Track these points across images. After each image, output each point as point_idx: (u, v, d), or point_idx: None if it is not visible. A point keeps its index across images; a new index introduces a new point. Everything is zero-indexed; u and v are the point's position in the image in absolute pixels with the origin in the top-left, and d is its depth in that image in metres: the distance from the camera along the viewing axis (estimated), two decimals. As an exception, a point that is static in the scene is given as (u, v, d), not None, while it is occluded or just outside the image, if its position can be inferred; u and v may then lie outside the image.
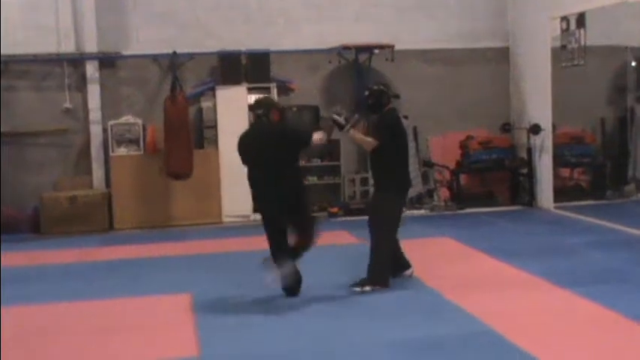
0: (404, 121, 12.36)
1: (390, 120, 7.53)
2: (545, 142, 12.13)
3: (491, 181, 12.96)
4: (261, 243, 9.11)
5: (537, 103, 12.24)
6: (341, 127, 7.41)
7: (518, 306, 6.66)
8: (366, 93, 7.68)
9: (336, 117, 7.43)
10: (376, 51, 12.34)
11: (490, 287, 7.38)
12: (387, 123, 7.48)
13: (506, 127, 12.88)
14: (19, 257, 9.85)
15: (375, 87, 7.70)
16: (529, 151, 12.39)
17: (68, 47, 11.97)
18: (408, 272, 7.74)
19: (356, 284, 7.24)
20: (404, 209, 7.95)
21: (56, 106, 12.02)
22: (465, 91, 12.97)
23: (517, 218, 11.56)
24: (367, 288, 7.18)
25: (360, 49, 12.29)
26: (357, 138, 7.59)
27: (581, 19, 11.22)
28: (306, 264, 8.64)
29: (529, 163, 12.42)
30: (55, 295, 7.61)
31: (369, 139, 7.45)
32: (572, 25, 11.38)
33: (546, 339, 5.72)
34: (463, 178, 12.82)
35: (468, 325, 6.13)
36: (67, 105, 12.04)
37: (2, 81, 11.83)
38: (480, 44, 13.03)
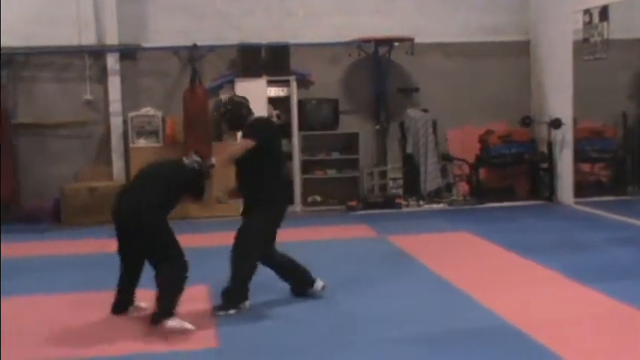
0: (423, 114, 12.47)
1: (260, 124, 6.71)
2: (565, 137, 12.05)
3: (511, 176, 12.90)
4: (278, 235, 9.12)
5: (558, 96, 12.16)
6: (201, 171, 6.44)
7: (537, 301, 6.63)
8: (221, 111, 6.67)
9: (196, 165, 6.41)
10: (396, 44, 12.30)
11: (509, 282, 7.35)
12: (258, 126, 6.64)
13: (527, 121, 12.81)
14: (40, 247, 9.96)
15: (228, 102, 6.71)
16: (549, 145, 12.32)
17: (89, 39, 12.02)
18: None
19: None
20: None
21: (77, 98, 12.09)
22: (485, 84, 12.91)
23: (537, 213, 11.50)
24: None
25: (380, 42, 12.26)
26: (229, 155, 6.56)
27: (604, 12, 11.12)
28: (326, 257, 8.69)
29: (549, 157, 12.35)
30: (74, 285, 7.67)
31: (240, 142, 6.58)
32: (595, 19, 11.29)
33: (565, 334, 5.69)
34: (482, 173, 12.76)
35: (486, 319, 6.11)
36: (88, 97, 12.10)
37: (25, 73, 11.94)
38: (500, 37, 12.95)
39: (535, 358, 5.27)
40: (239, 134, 7.21)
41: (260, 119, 6.90)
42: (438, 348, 5.50)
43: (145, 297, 6.35)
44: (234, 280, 6.44)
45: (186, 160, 6.41)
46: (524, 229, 10.31)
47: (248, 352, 5.56)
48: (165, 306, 5.91)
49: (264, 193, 6.52)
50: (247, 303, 6.49)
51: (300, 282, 6.88)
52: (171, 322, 5.87)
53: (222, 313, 6.37)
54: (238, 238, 6.50)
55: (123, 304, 6.50)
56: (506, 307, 6.33)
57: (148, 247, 6.15)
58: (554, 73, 12.30)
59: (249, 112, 6.66)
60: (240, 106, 6.64)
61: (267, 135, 6.56)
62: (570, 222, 10.80)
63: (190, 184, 6.40)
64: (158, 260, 6.03)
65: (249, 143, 6.38)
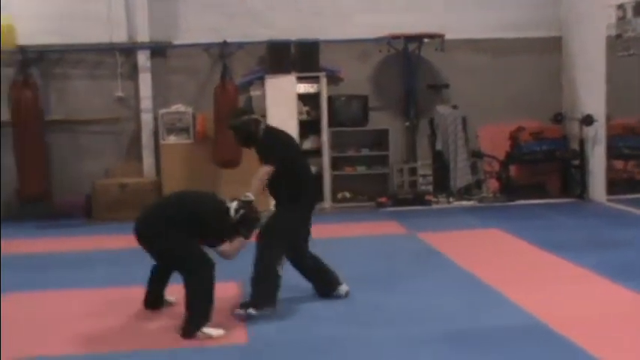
0: (453, 111, 12.41)
1: (274, 136, 6.64)
2: (598, 133, 11.93)
3: (542, 173, 12.79)
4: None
5: (590, 93, 12.04)
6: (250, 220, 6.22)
7: (568, 299, 6.57)
8: (232, 129, 6.60)
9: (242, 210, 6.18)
10: (426, 40, 12.26)
11: (540, 280, 7.29)
12: (272, 137, 6.61)
13: (558, 118, 12.70)
14: (71, 242, 10.06)
15: (237, 121, 6.57)
16: (581, 142, 12.20)
17: (120, 37, 12.11)
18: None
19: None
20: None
21: (108, 95, 12.19)
22: (515, 81, 12.82)
23: (568, 211, 11.40)
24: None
25: (410, 38, 12.22)
26: (258, 184, 6.43)
27: (638, 8, 11.00)
28: (355, 254, 8.69)
29: (581, 154, 12.24)
30: (104, 281, 7.75)
31: (258, 172, 6.46)
32: (629, 14, 11.16)
33: (596, 332, 5.64)
34: (513, 169, 12.67)
35: (517, 317, 6.07)
36: (119, 93, 12.19)
37: (57, 70, 12.06)
38: (531, 33, 12.85)
39: (566, 356, 5.22)
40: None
41: (269, 136, 6.62)
42: (468, 345, 5.47)
43: (174, 292, 6.38)
44: (262, 280, 6.32)
45: (230, 206, 6.14)
46: (555, 227, 10.22)
47: (276, 348, 5.57)
48: (195, 320, 5.80)
49: (286, 193, 6.52)
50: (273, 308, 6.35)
51: (324, 283, 6.83)
52: (200, 334, 5.78)
53: (241, 311, 6.22)
54: (262, 239, 6.41)
55: (154, 299, 6.54)
56: (537, 305, 6.28)
57: (166, 260, 6.19)
58: (586, 70, 12.17)
59: (257, 125, 6.56)
60: (248, 124, 6.53)
61: (281, 152, 6.51)
62: (602, 219, 10.69)
63: (223, 231, 6.15)
64: (183, 274, 5.97)
65: (269, 169, 6.39)
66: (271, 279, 6.31)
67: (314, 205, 6.85)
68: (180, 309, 5.99)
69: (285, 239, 6.47)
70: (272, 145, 6.57)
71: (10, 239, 10.36)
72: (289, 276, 6.65)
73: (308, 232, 6.76)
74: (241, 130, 6.55)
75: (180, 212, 6.04)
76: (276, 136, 6.73)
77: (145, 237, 6.05)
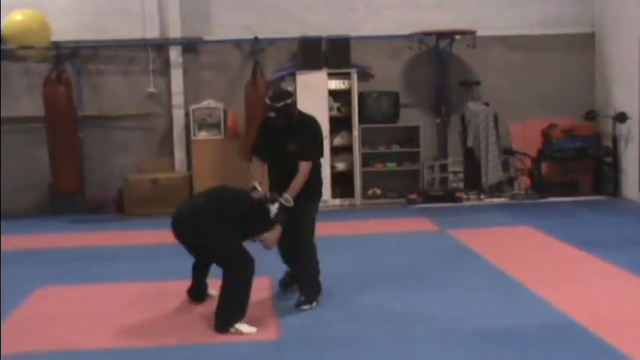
0: (484, 107, 12.35)
1: (312, 126, 6.37)
2: (631, 131, 11.80)
3: (574, 170, 12.69)
4: (337, 228, 9.18)
5: (624, 90, 11.92)
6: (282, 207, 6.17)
7: (601, 297, 6.53)
8: (272, 115, 6.17)
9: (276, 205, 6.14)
10: (457, 37, 12.21)
11: (572, 278, 7.25)
12: (314, 131, 6.37)
13: (591, 115, 12.59)
14: (103, 237, 10.16)
15: (279, 103, 6.15)
16: (614, 139, 12.09)
17: (153, 33, 12.20)
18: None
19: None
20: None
21: (141, 91, 12.29)
22: (547, 77, 12.73)
23: (600, 208, 11.31)
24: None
25: (441, 35, 12.18)
26: (295, 189, 6.22)
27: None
28: (386, 250, 8.69)
29: (614, 152, 12.13)
30: (136, 275, 7.81)
31: (303, 169, 6.23)
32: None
33: (630, 332, 5.59)
34: (544, 167, 12.59)
35: (548, 315, 6.04)
36: (151, 89, 12.28)
37: (90, 66, 12.18)
38: (564, 30, 12.75)
39: (599, 354, 5.18)
40: None
41: (311, 124, 6.40)
42: (500, 343, 5.45)
43: (216, 286, 6.41)
44: (307, 277, 6.45)
45: (271, 209, 6.13)
46: (587, 224, 10.14)
47: (308, 344, 5.59)
48: (230, 314, 5.82)
49: (312, 187, 6.39)
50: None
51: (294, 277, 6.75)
52: (232, 329, 5.81)
53: (306, 307, 6.33)
54: (294, 235, 6.36)
55: (197, 289, 6.61)
56: (569, 303, 6.24)
57: (206, 254, 6.23)
58: (620, 66, 12.06)
59: (296, 109, 6.33)
60: (293, 107, 6.28)
61: (321, 147, 6.45)
62: (635, 217, 10.58)
63: (263, 225, 6.18)
64: (222, 266, 6.00)
65: (309, 165, 6.26)
66: (315, 271, 6.48)
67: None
68: (214, 304, 6.02)
69: (313, 231, 6.55)
70: (316, 134, 6.39)
71: (44, 234, 10.52)
72: (322, 273, 6.66)
73: None
74: (283, 113, 6.16)
75: (223, 208, 6.06)
76: (315, 124, 6.43)
77: (185, 232, 6.06)
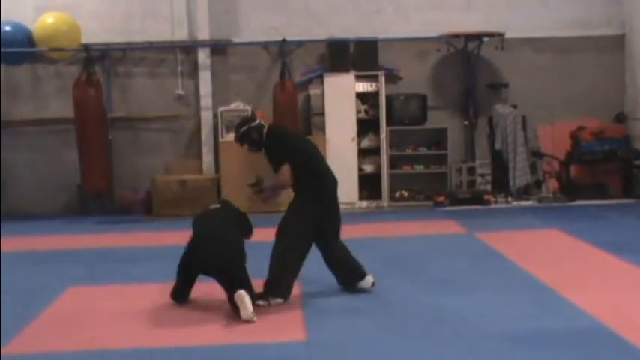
0: (512, 110, 12.28)
1: (273, 141, 6.83)
2: (661, 134, 11.73)
3: (603, 173, 12.59)
4: (364, 230, 9.16)
5: (654, 93, 11.83)
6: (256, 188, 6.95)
7: (630, 302, 6.47)
8: (237, 141, 6.93)
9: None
10: (485, 39, 12.17)
11: (601, 281, 7.19)
12: (273, 145, 6.83)
13: (620, 118, 12.50)
14: (132, 238, 10.24)
15: (240, 129, 6.84)
16: (644, 142, 12.01)
17: (181, 35, 12.29)
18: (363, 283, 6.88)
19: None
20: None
21: (169, 93, 12.38)
22: (576, 80, 12.65)
23: (630, 211, 11.21)
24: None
25: (469, 37, 12.15)
26: (276, 189, 6.98)
27: None
28: (413, 253, 8.67)
29: (644, 155, 12.05)
30: (165, 275, 7.83)
31: (277, 177, 6.82)
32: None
33: (660, 336, 5.54)
34: (573, 170, 12.51)
35: (577, 319, 6.00)
36: (180, 91, 12.37)
37: (120, 68, 12.29)
38: (593, 32, 12.67)
39: (628, 359, 5.15)
40: None
41: (272, 140, 6.84)
42: (528, 347, 5.42)
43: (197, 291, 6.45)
44: (274, 272, 6.62)
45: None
46: (616, 228, 10.07)
47: (336, 345, 5.59)
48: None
49: (300, 191, 6.77)
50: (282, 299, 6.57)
51: (349, 272, 6.89)
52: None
53: (261, 302, 6.44)
54: (277, 234, 6.72)
55: (184, 293, 6.80)
56: (599, 307, 6.19)
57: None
58: (650, 69, 11.96)
59: (259, 130, 6.80)
60: (249, 132, 6.79)
61: (285, 152, 6.76)
62: (665, 221, 10.50)
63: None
64: (241, 286, 6.22)
65: (286, 169, 6.70)
66: (282, 271, 6.58)
67: (332, 199, 6.88)
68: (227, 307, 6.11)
69: (297, 232, 6.63)
70: (275, 151, 6.81)
71: (73, 234, 10.61)
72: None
73: (334, 226, 6.87)
74: (248, 141, 6.81)
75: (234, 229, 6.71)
76: (279, 143, 6.86)
77: (228, 266, 6.37)
